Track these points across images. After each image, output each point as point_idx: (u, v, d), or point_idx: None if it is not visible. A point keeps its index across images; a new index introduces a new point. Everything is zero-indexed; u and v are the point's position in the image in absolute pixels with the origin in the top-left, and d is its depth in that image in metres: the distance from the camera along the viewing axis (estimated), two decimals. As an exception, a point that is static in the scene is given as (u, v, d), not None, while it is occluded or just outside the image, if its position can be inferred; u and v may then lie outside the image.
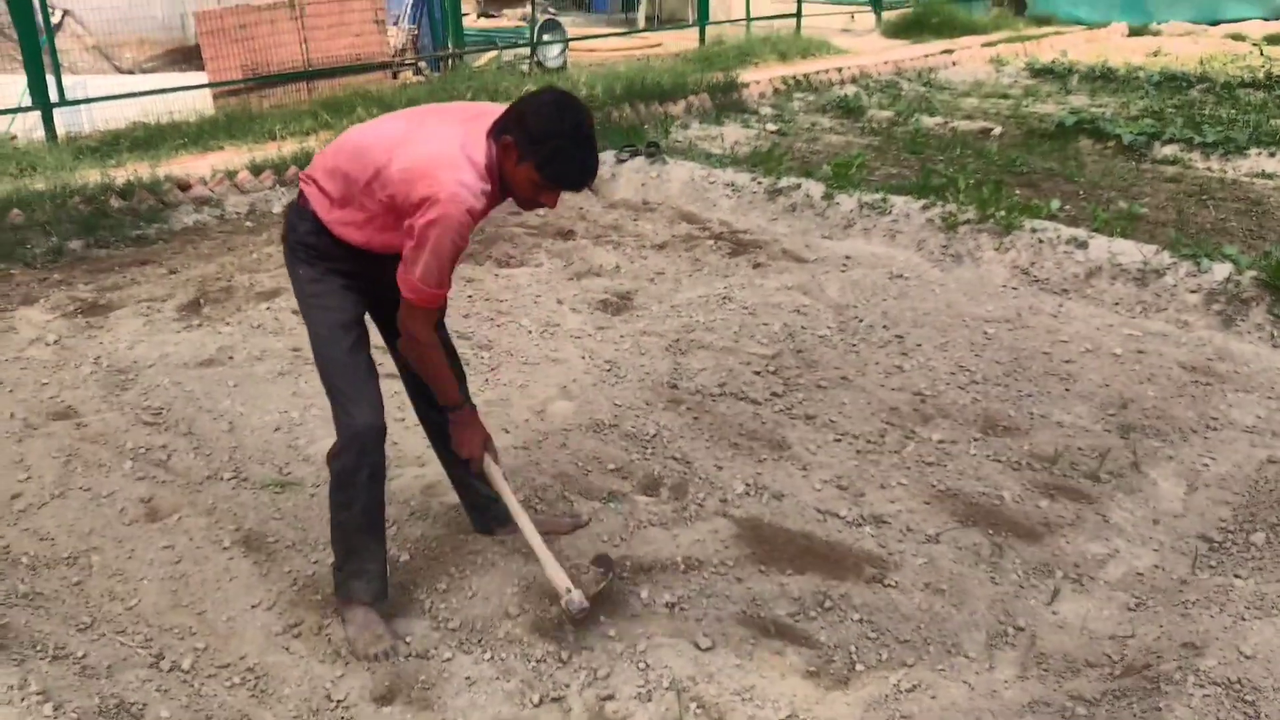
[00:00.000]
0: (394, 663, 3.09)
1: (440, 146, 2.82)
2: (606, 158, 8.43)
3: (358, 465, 3.09)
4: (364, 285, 3.11)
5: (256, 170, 7.79)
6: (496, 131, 2.85)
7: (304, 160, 8.11)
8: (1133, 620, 3.32)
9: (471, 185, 2.78)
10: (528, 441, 4.36)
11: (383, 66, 10.95)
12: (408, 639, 3.20)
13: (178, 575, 3.53)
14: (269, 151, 8.51)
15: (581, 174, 2.86)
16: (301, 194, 3.04)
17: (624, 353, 5.23)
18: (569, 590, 3.12)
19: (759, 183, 7.67)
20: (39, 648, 3.01)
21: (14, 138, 9.24)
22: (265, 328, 5.54)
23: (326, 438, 4.22)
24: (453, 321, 5.40)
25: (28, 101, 8.81)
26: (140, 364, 5.10)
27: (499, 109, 2.94)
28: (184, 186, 7.44)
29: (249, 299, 5.92)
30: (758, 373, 5.01)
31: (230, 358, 5.18)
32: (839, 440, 4.42)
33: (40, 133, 8.88)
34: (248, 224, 7.38)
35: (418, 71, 11.66)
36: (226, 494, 4.01)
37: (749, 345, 5.32)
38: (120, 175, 7.65)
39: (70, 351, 5.24)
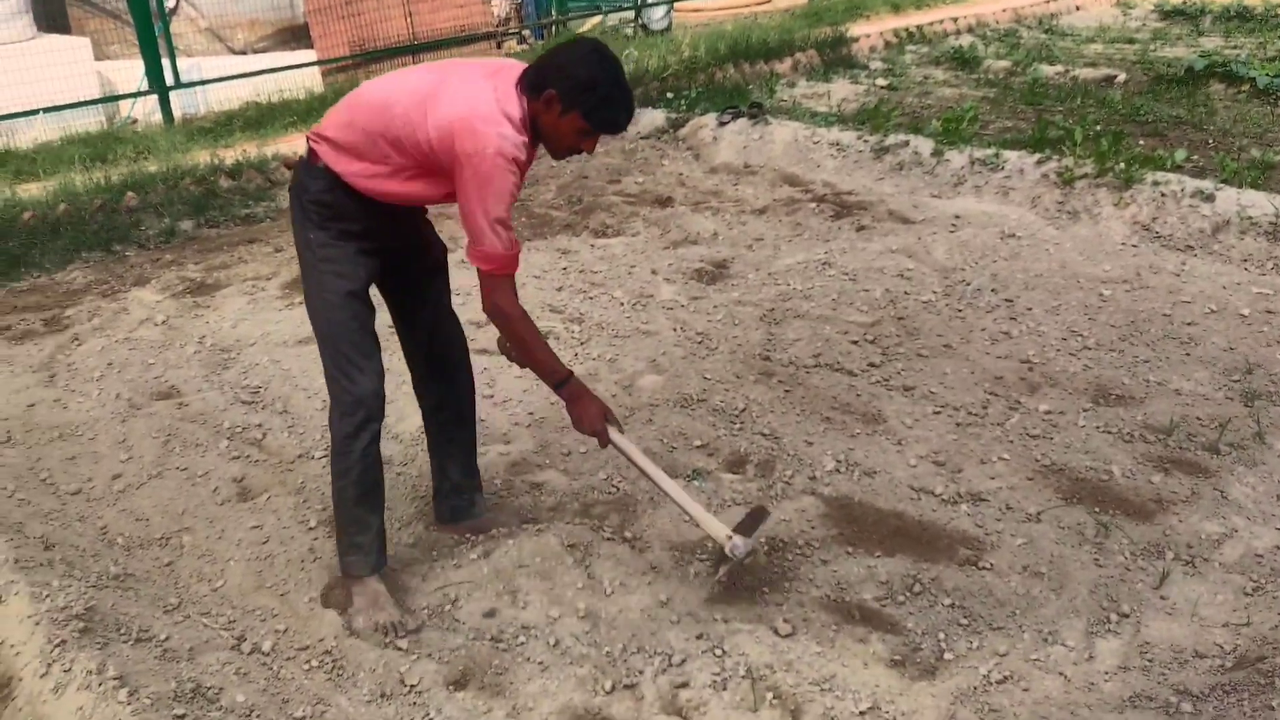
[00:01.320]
0: (398, 636, 3.09)
1: (475, 102, 2.78)
2: (707, 120, 8.27)
3: (357, 432, 3.07)
4: (377, 249, 3.08)
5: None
6: (530, 86, 2.84)
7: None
8: (1249, 606, 3.08)
9: (513, 138, 2.76)
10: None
11: (487, 37, 10.95)
12: (418, 613, 3.21)
13: (264, 556, 3.55)
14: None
15: (628, 116, 2.90)
16: (312, 152, 2.99)
17: (716, 324, 5.10)
18: (729, 537, 3.09)
19: (865, 141, 7.42)
20: (123, 631, 3.06)
21: (134, 121, 9.52)
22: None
23: (414, 415, 4.23)
24: (546, 295, 5.37)
25: (146, 86, 9.04)
26: (242, 343, 5.17)
27: (516, 64, 2.93)
28: (290, 164, 7.53)
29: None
30: (855, 342, 4.83)
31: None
32: (938, 413, 4.22)
33: (159, 116, 9.12)
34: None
35: (521, 40, 11.63)
36: (316, 473, 4.03)
37: (847, 313, 5.13)
38: (230, 155, 7.80)
39: (177, 331, 5.35)
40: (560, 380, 3.07)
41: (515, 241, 2.86)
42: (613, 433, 3.12)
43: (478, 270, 2.87)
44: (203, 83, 9.37)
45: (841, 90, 9.34)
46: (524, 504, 3.72)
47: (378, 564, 3.23)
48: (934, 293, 5.31)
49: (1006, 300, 5.16)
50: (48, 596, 3.07)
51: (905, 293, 5.32)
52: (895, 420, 4.17)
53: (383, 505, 3.24)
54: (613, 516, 3.63)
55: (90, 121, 9.16)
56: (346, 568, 3.25)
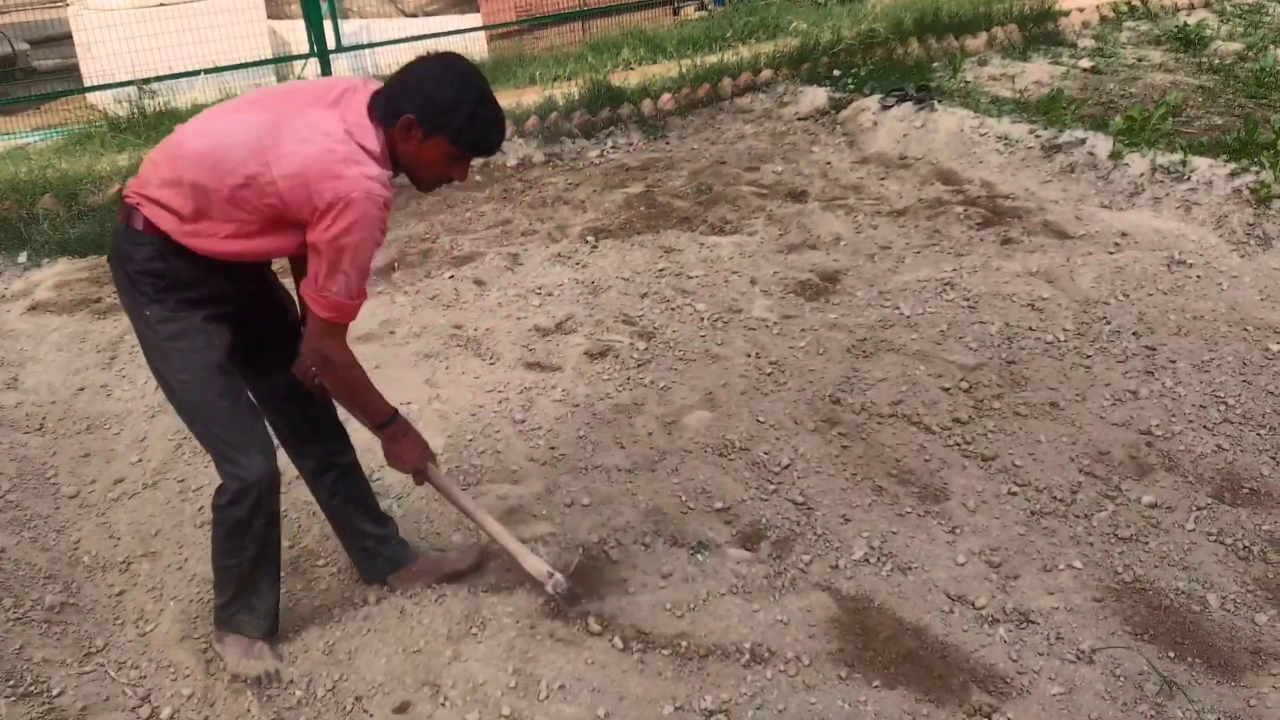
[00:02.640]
0: (273, 686, 2.80)
1: (325, 142, 2.39)
2: (870, 103, 7.52)
3: (251, 516, 2.71)
4: (225, 313, 2.69)
5: (494, 120, 7.52)
6: (385, 113, 2.47)
7: (547, 110, 7.79)
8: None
9: (377, 175, 2.42)
10: (638, 463, 3.78)
11: (665, 1, 10.42)
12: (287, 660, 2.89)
13: (205, 598, 3.27)
14: (525, 99, 8.26)
15: (500, 133, 2.60)
16: (132, 213, 2.59)
17: (797, 352, 4.50)
18: (551, 574, 2.96)
19: (1036, 136, 6.52)
20: (13, 681, 2.84)
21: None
22: (440, 299, 5.24)
23: (433, 438, 3.88)
24: (627, 303, 4.92)
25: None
26: (305, 335, 4.93)
27: (358, 83, 2.55)
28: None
29: (442, 264, 5.66)
30: (947, 389, 4.13)
31: (391, 332, 4.93)
32: (1014, 494, 3.52)
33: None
34: (477, 178, 7.15)
35: (700, 6, 11.04)
36: (304, 499, 3.72)
37: (951, 350, 4.42)
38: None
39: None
40: (384, 420, 2.78)
41: (363, 292, 2.51)
42: (430, 469, 2.93)
43: (309, 309, 2.51)
44: (362, 46, 9.28)
45: (1036, 72, 8.33)
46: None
47: (269, 630, 2.93)
48: (1063, 331, 4.51)
49: (1148, 348, 4.32)
50: (-56, 636, 2.87)
51: (1029, 329, 4.55)
52: (959, 499, 3.50)
53: (278, 573, 2.90)
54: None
55: (259, 82, 9.23)
56: (238, 626, 2.92)
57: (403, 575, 3.16)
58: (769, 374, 4.34)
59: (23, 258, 6.04)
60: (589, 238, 5.84)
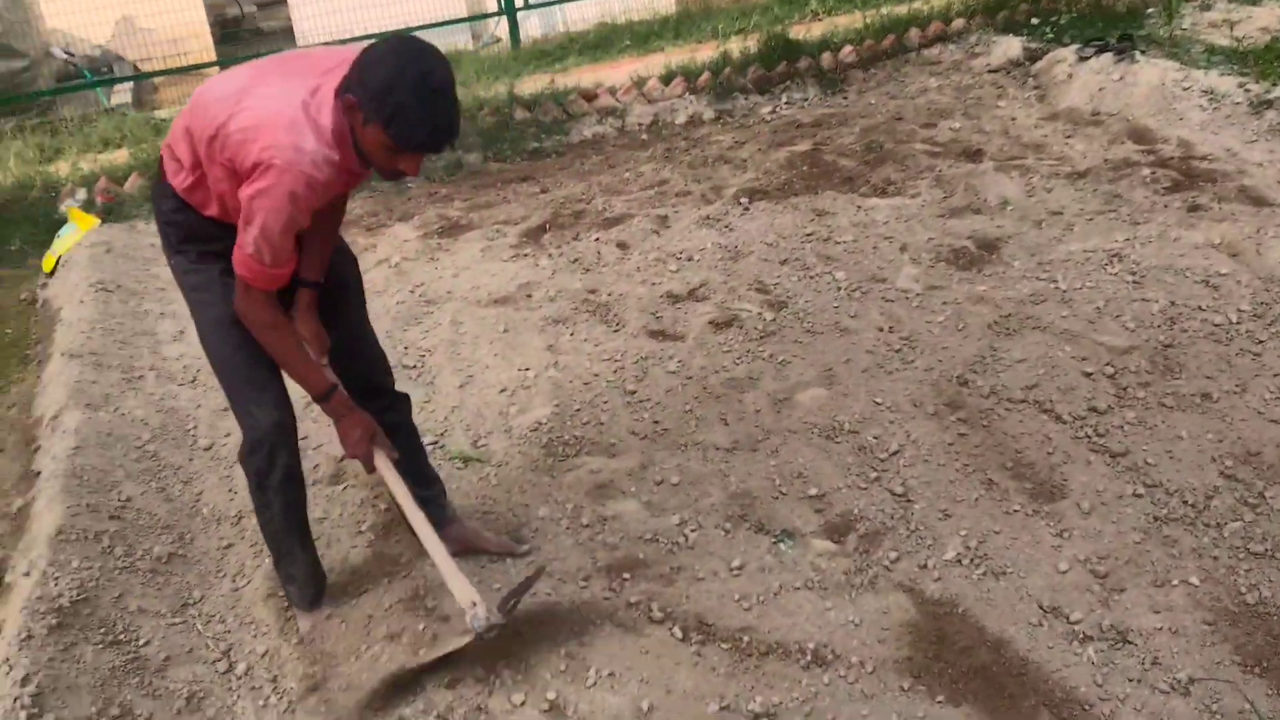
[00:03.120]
0: None
1: (280, 104, 2.34)
2: (1067, 54, 6.98)
3: (267, 469, 2.75)
4: None
5: (668, 78, 7.43)
6: (341, 88, 2.36)
7: (720, 65, 7.62)
8: None
9: (311, 151, 2.33)
10: (739, 441, 3.65)
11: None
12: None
13: (299, 559, 3.36)
14: (700, 54, 8.11)
15: (432, 134, 2.32)
16: (161, 165, 2.63)
17: (933, 327, 4.23)
18: (474, 604, 2.61)
19: (1246, 90, 5.88)
20: (104, 630, 3.00)
21: (499, 40, 9.69)
22: (582, 262, 5.22)
23: (540, 407, 3.88)
24: (766, 269, 4.79)
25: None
26: (448, 297, 5.01)
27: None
28: (589, 96, 7.28)
29: (593, 225, 5.63)
30: (1088, 374, 3.80)
31: (528, 296, 4.94)
32: (1139, 495, 3.20)
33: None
34: (643, 137, 7.08)
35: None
36: (411, 464, 3.77)
37: (1104, 330, 4.06)
38: (563, 81, 7.67)
39: (402, 277, 5.30)
40: (320, 394, 2.67)
41: (282, 262, 2.44)
42: (379, 458, 2.75)
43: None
44: (551, 3, 9.31)
45: (1264, 17, 7.51)
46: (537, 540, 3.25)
47: (313, 599, 2.98)
48: (1236, 312, 4.06)
49: (1334, 335, 3.83)
50: (48, 581, 3.06)
51: (1197, 308, 4.12)
52: (1075, 498, 3.20)
53: (309, 537, 2.94)
54: (643, 582, 3.06)
55: (458, 41, 9.41)
56: (290, 597, 3.02)
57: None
58: (897, 350, 4.10)
59: (210, 215, 6.37)
60: (743, 199, 5.68)
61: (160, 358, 4.66)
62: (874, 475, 3.42)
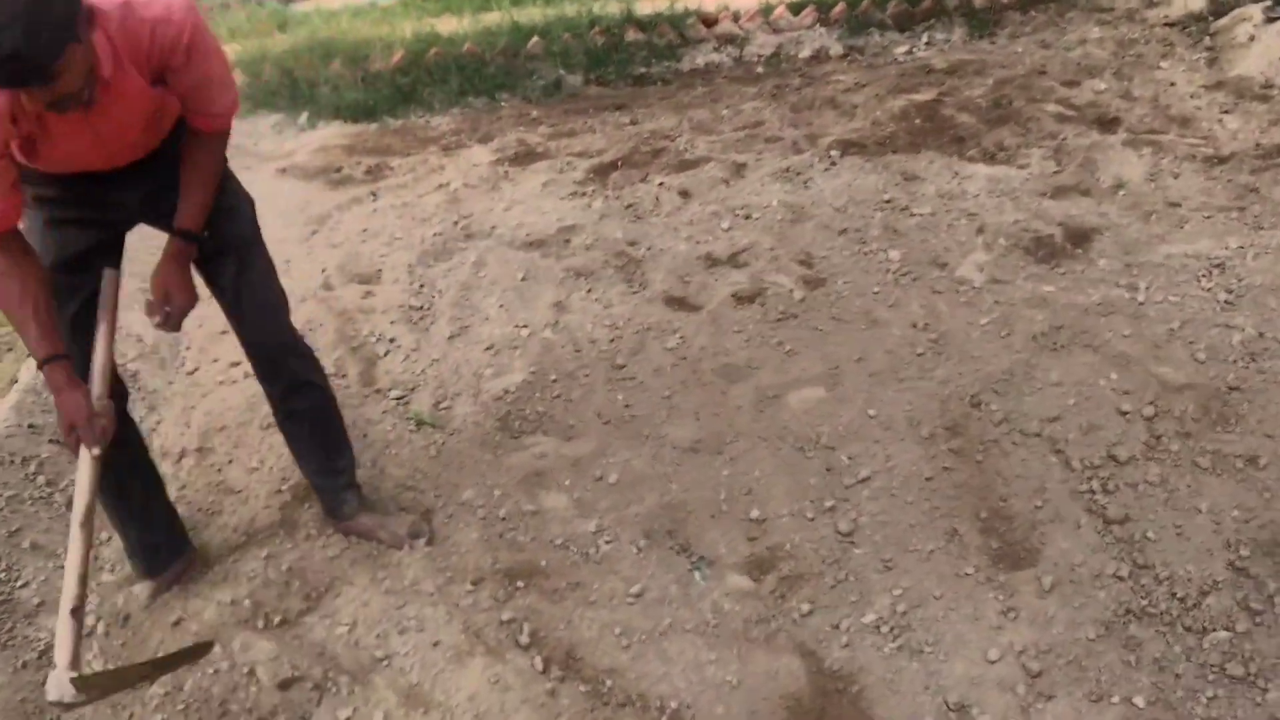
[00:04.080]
0: None
1: None
2: (1254, 11, 6.06)
3: None
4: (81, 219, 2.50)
5: (798, 7, 6.86)
6: None
7: (859, -6, 6.97)
8: None
9: None
10: (703, 440, 3.31)
11: None
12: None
13: (207, 507, 3.25)
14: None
15: None
16: None
17: (972, 330, 3.73)
18: (53, 667, 2.11)
19: None
20: None
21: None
22: (636, 208, 4.88)
23: (517, 372, 3.67)
24: (818, 240, 4.44)
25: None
26: (487, 234, 4.77)
27: None
28: (710, 22, 6.80)
29: (665, 167, 5.26)
30: (1125, 411, 3.25)
31: (565, 241, 4.65)
32: (1120, 578, 2.70)
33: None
34: (759, 70, 6.58)
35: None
36: (369, 419, 3.60)
37: (1164, 360, 3.48)
38: (685, 1, 7.20)
39: (456, 204, 5.08)
40: (40, 360, 2.29)
41: None
42: (84, 450, 2.28)
43: None
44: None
45: None
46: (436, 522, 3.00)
47: (147, 570, 2.87)
48: None
49: None
50: None
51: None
52: (1044, 569, 2.73)
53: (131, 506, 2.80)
54: (532, 594, 2.78)
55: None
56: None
57: (334, 526, 3.01)
58: (920, 354, 3.63)
59: (303, 119, 6.31)
60: (833, 152, 5.18)
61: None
62: (828, 504, 3.02)
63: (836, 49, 6.65)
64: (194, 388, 3.89)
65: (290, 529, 3.07)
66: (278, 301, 2.75)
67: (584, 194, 5.06)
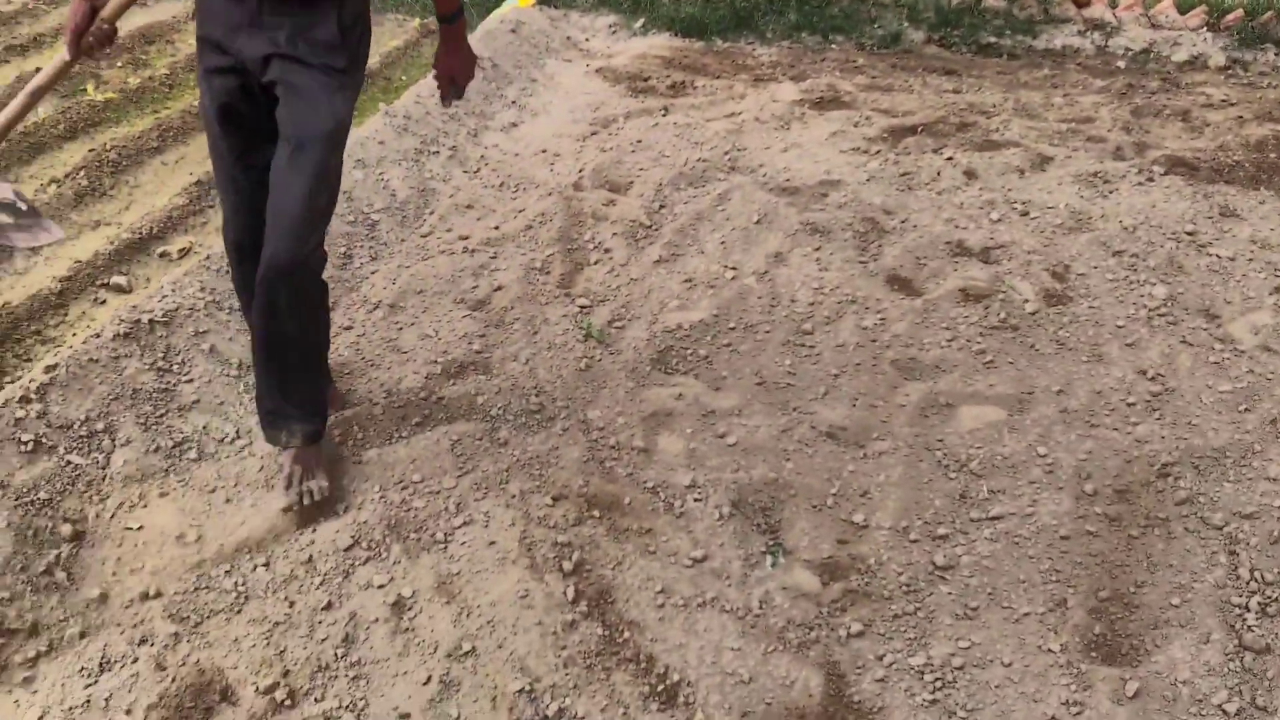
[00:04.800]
0: None
1: None
2: None
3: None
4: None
5: (1186, 6, 6.13)
6: None
7: (1262, 7, 6.13)
8: None
9: None
10: (845, 429, 3.10)
11: None
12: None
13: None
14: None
15: None
16: None
17: (1202, 397, 3.25)
18: None
19: None
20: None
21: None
22: (911, 178, 4.57)
23: (701, 311, 3.62)
24: (1092, 255, 4.04)
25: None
26: (748, 170, 4.65)
27: None
28: (1082, 3, 6.22)
29: (964, 144, 4.89)
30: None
31: (823, 195, 4.45)
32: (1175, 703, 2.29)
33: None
34: (1118, 64, 5.96)
35: None
36: (546, 319, 3.65)
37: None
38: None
39: (730, 136, 4.95)
40: None
41: None
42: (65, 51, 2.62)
43: None
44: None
45: None
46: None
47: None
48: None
49: None
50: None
51: None
52: (1139, 672, 2.36)
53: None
54: (600, 528, 2.73)
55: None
56: None
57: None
58: (1131, 404, 3.21)
59: (638, 25, 6.39)
60: (1156, 167, 4.65)
61: (475, 142, 4.84)
62: (940, 532, 2.75)
63: (1218, 59, 5.88)
64: (418, 249, 4.08)
65: (425, 399, 3.18)
66: (301, 216, 2.46)
67: (866, 151, 4.82)
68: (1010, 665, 2.39)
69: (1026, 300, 3.69)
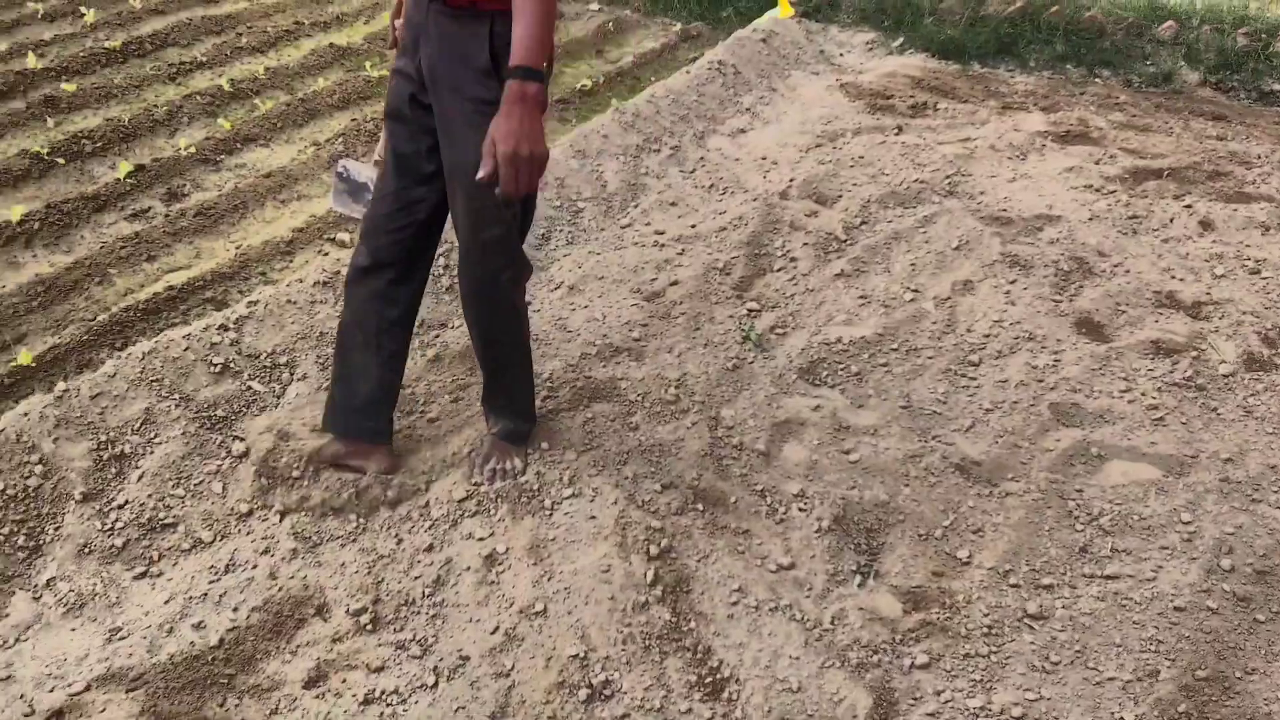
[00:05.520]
0: None
1: None
2: None
3: None
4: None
5: None
6: None
7: None
8: None
9: None
10: (983, 464, 3.01)
11: None
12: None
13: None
14: None
15: None
16: None
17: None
18: None
19: None
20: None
21: None
22: (1139, 222, 4.34)
23: (867, 329, 3.63)
24: None
25: None
26: (966, 196, 4.56)
27: None
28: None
29: (1210, 193, 4.59)
30: None
31: (1036, 230, 4.31)
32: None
33: None
34: None
35: None
36: (713, 317, 3.73)
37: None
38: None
39: (957, 161, 4.81)
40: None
41: None
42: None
43: None
44: None
45: None
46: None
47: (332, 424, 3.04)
48: None
49: None
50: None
51: None
52: None
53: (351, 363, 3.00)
54: (699, 521, 2.79)
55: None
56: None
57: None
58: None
59: (896, 43, 6.32)
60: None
61: (699, 144, 4.99)
62: (1044, 581, 2.63)
63: None
64: (614, 239, 4.24)
65: (574, 376, 3.32)
66: (468, 247, 2.60)
67: (1098, 190, 4.60)
68: (1077, 729, 2.27)
69: (1224, 361, 3.44)
